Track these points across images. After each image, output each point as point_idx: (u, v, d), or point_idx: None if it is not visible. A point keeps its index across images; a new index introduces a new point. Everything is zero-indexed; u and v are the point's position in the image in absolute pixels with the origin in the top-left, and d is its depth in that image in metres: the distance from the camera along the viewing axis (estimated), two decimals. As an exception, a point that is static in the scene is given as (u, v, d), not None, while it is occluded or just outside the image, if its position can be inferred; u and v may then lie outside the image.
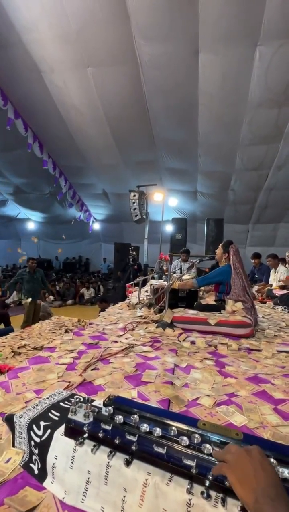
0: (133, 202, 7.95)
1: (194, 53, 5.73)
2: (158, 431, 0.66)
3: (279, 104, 6.31)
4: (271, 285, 4.92)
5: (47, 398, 0.96)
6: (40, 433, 0.81)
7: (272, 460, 0.57)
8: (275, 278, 4.89)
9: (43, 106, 7.55)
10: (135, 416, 0.70)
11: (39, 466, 0.79)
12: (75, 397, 0.92)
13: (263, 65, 5.66)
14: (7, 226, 14.90)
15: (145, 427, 0.67)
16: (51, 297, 7.71)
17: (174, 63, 6.02)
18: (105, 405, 0.76)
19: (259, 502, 0.45)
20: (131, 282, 4.38)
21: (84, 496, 0.70)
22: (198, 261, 4.26)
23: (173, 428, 0.67)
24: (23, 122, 7.76)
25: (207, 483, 0.58)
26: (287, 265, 4.89)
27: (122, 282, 7.51)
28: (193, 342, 1.99)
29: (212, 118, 6.97)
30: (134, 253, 7.26)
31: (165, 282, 3.23)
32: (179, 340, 2.02)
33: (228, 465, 0.53)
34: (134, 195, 7.98)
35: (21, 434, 0.85)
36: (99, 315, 2.97)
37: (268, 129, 6.91)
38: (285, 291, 4.17)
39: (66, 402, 0.92)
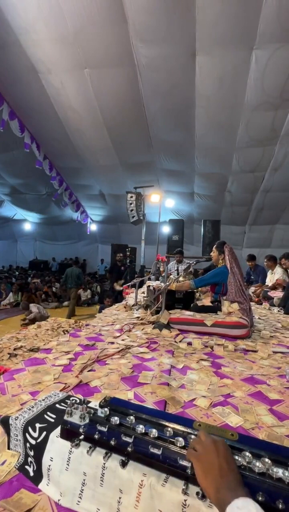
0: (130, 204, 7.95)
1: (191, 56, 5.76)
2: (153, 432, 0.66)
3: (275, 107, 6.36)
4: (267, 286, 4.95)
5: (43, 400, 0.95)
6: (35, 435, 0.80)
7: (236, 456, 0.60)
8: (272, 279, 4.92)
9: (41, 107, 7.54)
10: (131, 417, 0.71)
11: (35, 468, 0.78)
12: (71, 398, 0.92)
13: (259, 68, 5.70)
14: (4, 227, 14.81)
15: (140, 428, 0.68)
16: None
17: (171, 65, 6.05)
18: (101, 406, 0.76)
19: (221, 493, 0.50)
20: (128, 283, 4.38)
21: (80, 497, 0.70)
22: (194, 262, 4.27)
23: (169, 429, 0.67)
24: (20, 123, 7.73)
25: (202, 483, 0.58)
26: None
27: (110, 283, 7.56)
28: (189, 343, 1.99)
29: (209, 120, 7.00)
30: (121, 254, 7.34)
31: (162, 284, 3.24)
32: (175, 341, 2.02)
33: (197, 454, 0.58)
34: (131, 196, 7.98)
35: (17, 436, 0.85)
36: (95, 316, 2.97)
37: (264, 132, 6.96)
38: (278, 292, 4.20)
39: (62, 404, 0.92)
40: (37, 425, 0.82)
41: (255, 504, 0.47)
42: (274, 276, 4.89)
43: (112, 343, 1.93)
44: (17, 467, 0.81)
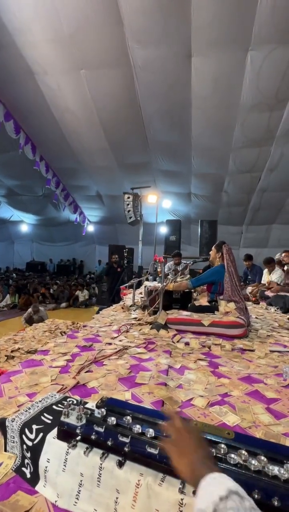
0: (128, 204, 7.95)
1: (187, 57, 5.78)
2: (150, 432, 0.66)
3: (270, 107, 6.40)
4: (264, 285, 4.96)
5: (40, 401, 0.95)
6: (32, 436, 0.80)
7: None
8: (269, 279, 4.93)
9: (37, 108, 7.52)
10: (128, 417, 0.71)
11: (32, 470, 0.78)
12: (68, 399, 0.91)
13: (255, 70, 5.74)
14: (0, 228, 14.73)
15: (137, 428, 0.68)
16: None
17: (167, 66, 6.07)
18: (98, 407, 0.76)
19: (196, 469, 0.52)
20: (126, 284, 4.37)
21: (77, 499, 0.69)
22: (191, 262, 4.28)
23: (165, 428, 0.67)
24: (15, 124, 7.71)
25: (199, 482, 0.58)
26: (286, 267, 4.88)
27: (107, 285, 7.56)
28: (187, 343, 2.00)
29: (205, 121, 7.03)
30: (116, 256, 7.34)
31: (159, 284, 3.24)
32: (173, 342, 2.02)
33: (171, 441, 0.59)
34: (128, 197, 7.98)
35: (13, 438, 0.85)
36: (93, 318, 2.96)
37: (260, 132, 7.00)
38: (275, 293, 4.22)
39: (59, 405, 0.92)
40: (34, 427, 0.81)
41: (229, 478, 0.48)
42: (272, 276, 4.90)
43: (110, 344, 1.93)
44: (14, 469, 0.81)
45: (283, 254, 4.63)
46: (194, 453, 0.55)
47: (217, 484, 0.47)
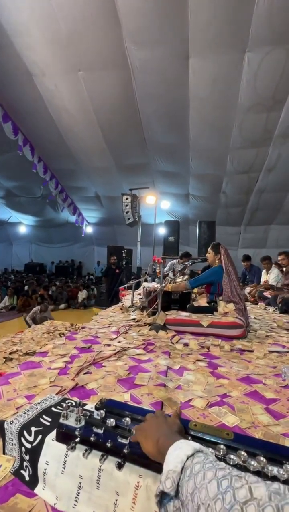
0: (126, 205, 7.95)
1: (184, 58, 5.80)
2: (149, 433, 0.66)
3: (267, 108, 6.43)
4: (262, 286, 4.97)
5: (39, 403, 0.95)
6: (31, 439, 0.80)
7: None
8: (267, 279, 4.94)
9: (35, 109, 7.52)
10: (127, 419, 0.70)
11: (30, 473, 0.78)
12: (67, 401, 0.91)
13: (252, 71, 5.77)
14: (-2, 230, 14.70)
15: (136, 429, 0.67)
16: None
17: (164, 67, 6.09)
18: (97, 408, 0.75)
19: (160, 442, 0.53)
20: (125, 285, 4.37)
21: (76, 501, 0.69)
22: (190, 263, 4.28)
23: (165, 429, 0.67)
24: (13, 125, 7.70)
25: (198, 483, 0.58)
26: (283, 268, 4.86)
27: (106, 286, 7.56)
28: (186, 344, 2.00)
29: (203, 122, 7.05)
30: (114, 257, 7.33)
31: (158, 285, 3.24)
32: (172, 342, 2.02)
33: (138, 428, 0.61)
34: (126, 198, 7.98)
35: (12, 440, 0.84)
36: (92, 319, 2.95)
37: (257, 133, 7.02)
38: (272, 292, 4.23)
39: (58, 407, 0.91)
40: (33, 429, 0.81)
41: (195, 443, 0.50)
42: (270, 276, 4.91)
43: (109, 345, 1.92)
44: (12, 471, 0.80)
45: (279, 257, 4.63)
46: (157, 431, 0.57)
47: (183, 447, 0.49)
